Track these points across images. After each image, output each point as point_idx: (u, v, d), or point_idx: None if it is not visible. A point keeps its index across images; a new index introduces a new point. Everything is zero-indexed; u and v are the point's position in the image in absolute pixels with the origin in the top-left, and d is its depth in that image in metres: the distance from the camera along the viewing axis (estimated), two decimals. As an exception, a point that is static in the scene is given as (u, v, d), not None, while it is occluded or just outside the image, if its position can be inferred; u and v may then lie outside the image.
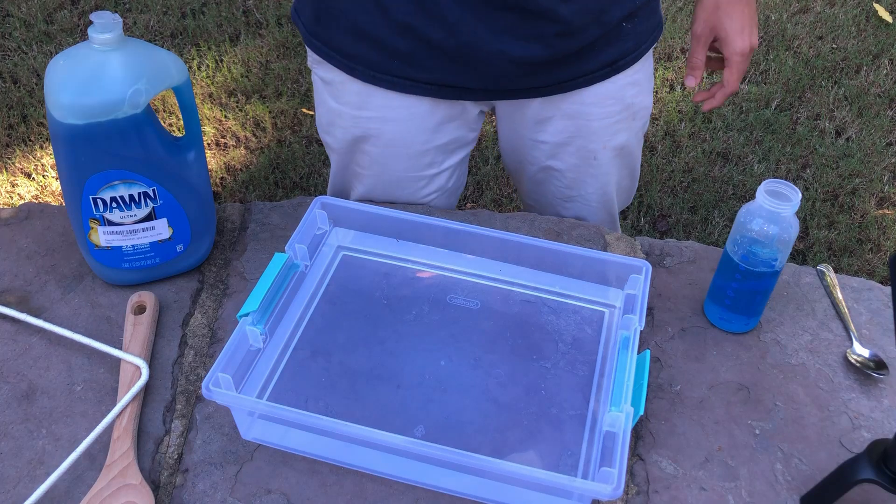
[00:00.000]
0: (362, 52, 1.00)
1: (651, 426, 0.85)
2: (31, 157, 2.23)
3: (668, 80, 2.54)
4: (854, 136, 2.36)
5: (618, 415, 0.76)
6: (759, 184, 1.05)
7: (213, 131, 2.32)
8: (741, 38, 1.02)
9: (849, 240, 2.08)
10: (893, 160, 2.29)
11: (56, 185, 2.14)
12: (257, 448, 0.82)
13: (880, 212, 2.15)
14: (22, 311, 0.92)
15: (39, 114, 2.34)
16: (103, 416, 0.82)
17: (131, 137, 0.86)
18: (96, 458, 0.80)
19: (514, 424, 0.83)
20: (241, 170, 2.23)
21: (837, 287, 0.99)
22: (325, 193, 1.14)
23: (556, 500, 0.76)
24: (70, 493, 0.77)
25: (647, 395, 0.86)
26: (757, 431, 0.85)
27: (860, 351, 0.92)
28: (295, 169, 2.22)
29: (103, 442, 0.81)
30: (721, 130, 2.37)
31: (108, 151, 0.86)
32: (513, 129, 1.12)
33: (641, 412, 0.76)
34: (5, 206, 1.82)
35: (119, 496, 0.76)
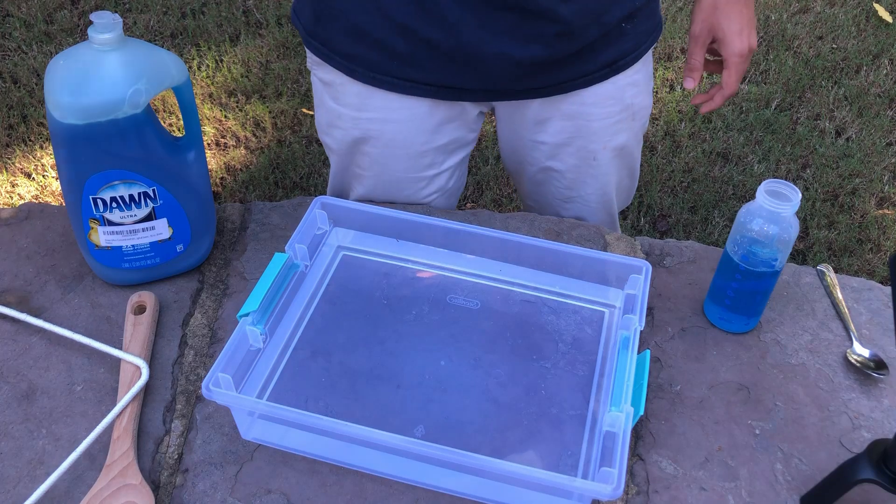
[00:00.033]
0: (362, 53, 1.00)
1: (651, 426, 0.85)
2: (31, 157, 2.23)
3: (668, 80, 2.54)
4: (854, 136, 2.36)
5: (618, 415, 0.76)
6: (759, 184, 1.05)
7: (213, 131, 2.32)
8: (739, 39, 1.01)
9: (849, 240, 2.08)
10: (893, 160, 2.29)
11: (56, 185, 2.14)
12: (257, 448, 0.82)
13: (880, 212, 2.15)
14: (22, 311, 0.92)
15: (39, 114, 2.34)
16: (103, 416, 0.82)
17: (131, 137, 0.86)
18: (96, 458, 0.80)
19: (514, 424, 0.83)
20: (241, 170, 2.23)
21: (837, 287, 0.99)
22: (325, 193, 1.14)
23: (556, 500, 0.76)
24: (70, 493, 0.77)
25: (647, 395, 0.86)
26: (757, 431, 0.85)
27: (860, 351, 0.92)
28: (295, 169, 2.22)
29: (103, 442, 0.81)
30: (721, 130, 2.37)
31: (108, 151, 0.86)
32: (512, 129, 1.12)
33: (641, 412, 0.76)
34: (5, 206, 1.82)
35: (119, 496, 0.76)
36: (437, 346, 0.90)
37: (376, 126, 1.06)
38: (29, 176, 2.18)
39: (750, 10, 1.01)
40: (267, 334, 0.87)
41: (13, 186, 2.15)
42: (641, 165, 1.21)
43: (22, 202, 1.93)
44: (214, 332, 0.93)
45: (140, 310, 0.92)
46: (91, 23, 0.82)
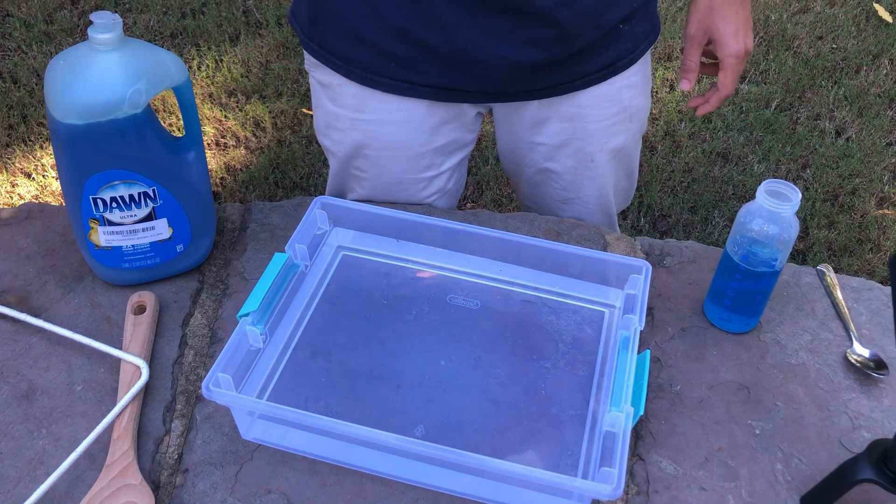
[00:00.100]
0: (359, 55, 1.00)
1: (651, 426, 0.85)
2: (31, 157, 2.23)
3: (667, 80, 2.54)
4: (854, 136, 2.36)
5: (618, 415, 0.76)
6: (759, 184, 1.05)
7: (213, 131, 2.32)
8: (735, 40, 1.01)
9: (849, 240, 2.08)
10: (893, 160, 2.29)
11: (56, 185, 2.14)
12: (257, 448, 0.82)
13: (880, 212, 2.15)
14: (22, 311, 0.92)
15: (39, 114, 2.34)
16: (103, 416, 0.82)
17: (131, 137, 0.86)
18: (96, 458, 0.80)
19: (514, 424, 0.83)
20: (241, 170, 2.23)
21: (837, 287, 0.99)
22: (324, 194, 1.14)
23: (556, 500, 0.76)
24: (70, 493, 0.77)
25: (647, 395, 0.86)
26: (757, 431, 0.85)
27: (860, 351, 0.92)
28: (295, 169, 2.22)
29: (103, 442, 0.81)
30: (721, 130, 2.37)
31: (108, 151, 0.86)
32: (510, 131, 1.12)
33: (641, 412, 0.76)
34: (5, 206, 1.82)
35: (119, 496, 0.76)
36: (437, 346, 0.90)
37: (374, 128, 1.06)
38: (29, 176, 2.18)
39: (746, 12, 1.01)
40: (267, 334, 0.87)
41: (13, 186, 2.15)
42: (641, 165, 1.21)
43: (22, 202, 1.93)
44: (214, 332, 0.93)
45: (140, 310, 0.92)
46: (91, 23, 0.82)
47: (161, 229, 0.93)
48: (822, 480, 0.77)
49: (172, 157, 0.91)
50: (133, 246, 0.93)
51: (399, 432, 0.74)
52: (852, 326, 0.95)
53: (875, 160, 2.28)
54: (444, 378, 0.87)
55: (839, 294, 0.99)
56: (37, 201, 1.65)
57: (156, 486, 0.78)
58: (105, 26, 0.81)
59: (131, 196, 0.90)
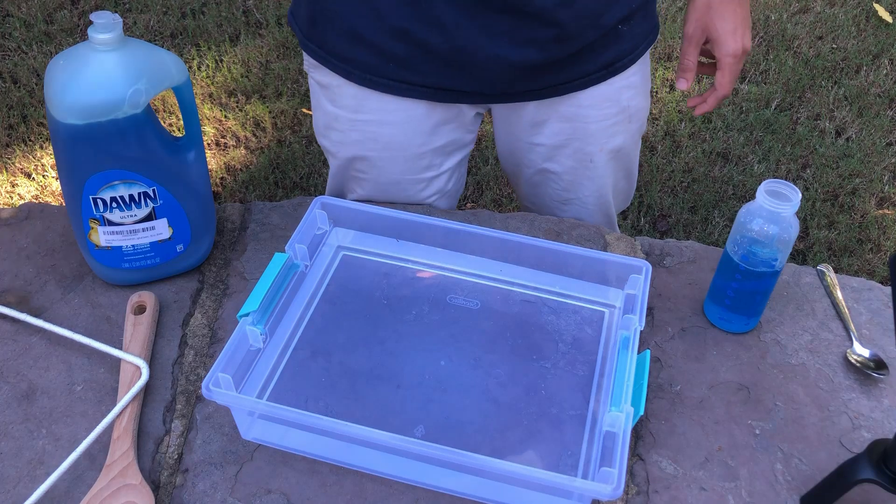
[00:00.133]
0: (358, 56, 1.00)
1: (651, 426, 0.85)
2: (31, 157, 2.23)
3: (667, 80, 2.54)
4: (854, 136, 2.36)
5: (618, 415, 0.76)
6: (759, 184, 1.05)
7: (213, 131, 2.32)
8: (733, 39, 1.00)
9: (849, 240, 2.08)
10: (893, 160, 2.29)
11: (56, 185, 2.14)
12: (257, 448, 0.82)
13: (880, 212, 2.15)
14: (22, 311, 0.92)
15: (39, 114, 2.34)
16: (103, 416, 0.82)
17: (131, 137, 0.86)
18: (96, 458, 0.80)
19: (514, 424, 0.83)
20: (241, 170, 2.23)
21: (837, 287, 0.99)
22: (324, 194, 1.14)
23: (556, 500, 0.76)
24: (70, 493, 0.77)
25: (647, 395, 0.86)
26: (757, 431, 0.85)
27: (860, 351, 0.92)
28: (295, 169, 2.22)
29: (103, 442, 0.81)
30: (721, 130, 2.37)
31: (108, 151, 0.86)
32: (509, 131, 1.12)
33: (641, 412, 0.76)
34: (5, 206, 1.82)
35: (119, 496, 0.76)
36: (437, 346, 0.90)
37: (373, 128, 1.06)
38: (29, 176, 2.18)
39: (744, 10, 1.00)
40: (267, 334, 0.87)
41: (13, 186, 2.15)
42: (641, 165, 1.21)
43: (22, 202, 1.93)
44: (214, 332, 0.93)
45: (140, 310, 0.92)
46: (91, 23, 0.82)
47: (161, 229, 0.93)
48: (822, 480, 0.77)
49: (172, 157, 0.91)
50: (133, 246, 0.93)
51: (399, 432, 0.74)
52: (852, 326, 0.95)
53: (875, 160, 2.28)
54: (444, 378, 0.87)
55: (839, 294, 0.99)
56: (37, 201, 1.65)
57: (156, 486, 0.78)
58: (105, 26, 0.81)
59: (131, 196, 0.90)
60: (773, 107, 2.45)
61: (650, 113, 2.38)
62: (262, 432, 0.82)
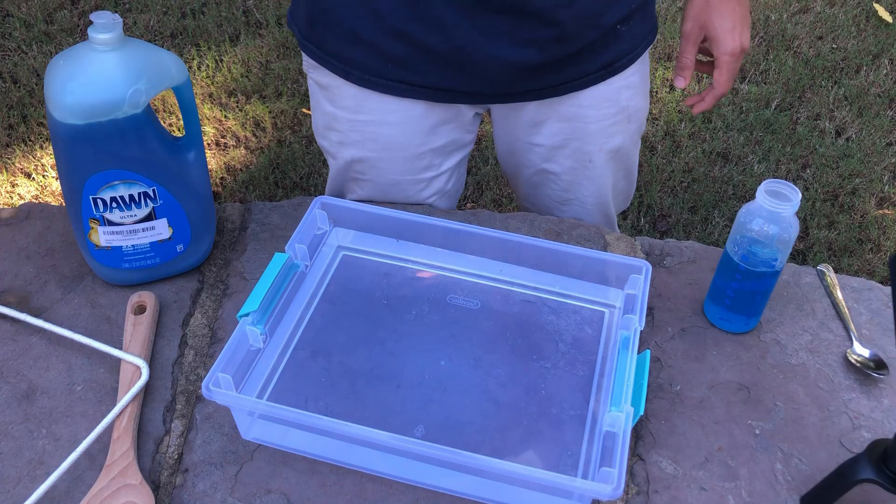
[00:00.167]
0: (358, 56, 1.00)
1: (651, 426, 0.85)
2: (31, 157, 2.23)
3: (667, 80, 2.54)
4: (854, 136, 2.36)
5: (618, 415, 0.76)
6: (759, 184, 1.05)
7: (213, 131, 2.32)
8: (731, 37, 1.00)
9: (849, 240, 2.08)
10: (893, 160, 2.29)
11: (56, 185, 2.14)
12: (257, 448, 0.82)
13: (880, 212, 2.15)
14: (22, 311, 0.92)
15: (39, 114, 2.34)
16: (103, 416, 0.82)
17: (131, 137, 0.86)
18: (96, 458, 0.80)
19: (514, 424, 0.83)
20: (241, 170, 2.23)
21: (837, 287, 0.99)
22: (324, 194, 1.14)
23: (556, 500, 0.76)
24: (70, 493, 0.77)
25: (647, 395, 0.86)
26: (757, 431, 0.85)
27: (860, 351, 0.92)
28: (295, 169, 2.22)
29: (103, 442, 0.81)
30: (721, 130, 2.37)
31: (108, 151, 0.86)
32: (508, 132, 1.12)
33: (641, 412, 0.76)
34: (5, 206, 1.82)
35: (119, 496, 0.76)
36: (437, 346, 0.90)
37: (372, 129, 1.06)
38: (29, 176, 2.18)
39: (743, 9, 1.00)
40: (267, 334, 0.87)
41: (13, 186, 2.15)
42: (641, 165, 1.21)
43: (22, 202, 1.93)
44: (214, 332, 0.93)
45: (140, 310, 0.92)
46: (91, 23, 0.82)
47: (161, 229, 0.93)
48: (822, 480, 0.77)
49: (172, 157, 0.91)
50: (133, 246, 0.93)
51: (399, 432, 0.74)
52: (852, 326, 0.95)
53: (875, 160, 2.28)
54: (444, 378, 0.87)
55: (839, 294, 0.99)
56: (37, 201, 1.65)
57: (156, 486, 0.78)
58: (105, 26, 0.81)
59: (131, 196, 0.90)
60: (773, 107, 2.45)
61: (650, 113, 2.39)
62: (262, 432, 0.82)
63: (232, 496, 0.78)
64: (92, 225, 0.91)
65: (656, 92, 2.49)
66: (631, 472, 0.81)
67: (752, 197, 0.87)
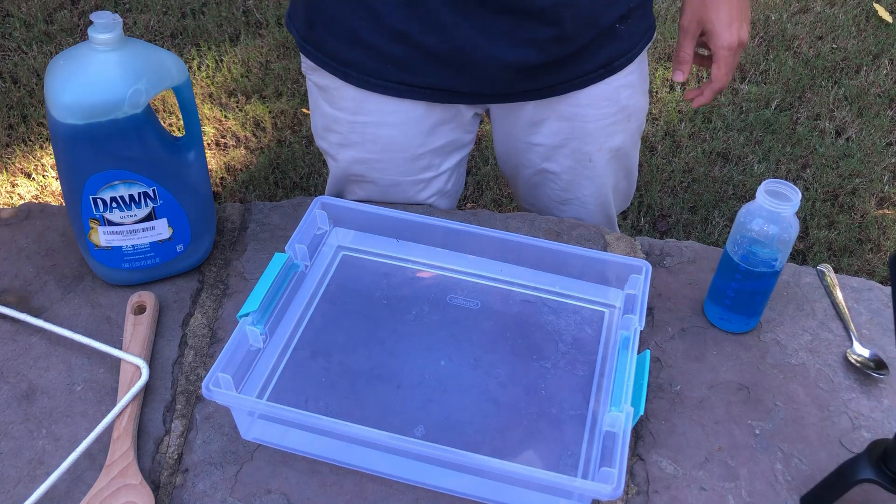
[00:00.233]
0: (357, 58, 1.00)
1: (651, 426, 0.85)
2: (31, 157, 2.23)
3: (667, 80, 2.54)
4: (854, 136, 2.36)
5: (618, 415, 0.76)
6: (759, 184, 1.05)
7: (213, 131, 2.32)
8: (729, 31, 1.00)
9: (849, 240, 2.08)
10: (893, 160, 2.29)
11: (56, 185, 2.14)
12: (257, 448, 0.82)
13: (880, 212, 2.15)
14: (22, 311, 0.92)
15: (39, 114, 2.34)
16: (103, 416, 0.82)
17: (131, 137, 0.86)
18: (96, 458, 0.80)
19: (514, 424, 0.83)
20: (241, 170, 2.23)
21: (837, 287, 0.99)
22: (324, 194, 1.14)
23: (556, 500, 0.76)
24: (70, 493, 0.77)
25: (647, 395, 0.86)
26: (757, 431, 0.85)
27: (860, 351, 0.92)
28: (295, 169, 2.22)
29: (103, 442, 0.81)
30: (721, 130, 2.37)
31: (108, 151, 0.86)
32: (507, 132, 1.12)
33: (641, 412, 0.76)
34: (5, 206, 1.82)
35: (119, 496, 0.76)
36: (437, 346, 0.90)
37: (372, 130, 1.06)
38: (29, 176, 2.18)
39: (742, 3, 1.00)
40: (267, 334, 0.87)
41: (13, 186, 2.15)
42: (641, 165, 1.21)
43: (22, 202, 1.93)
44: (214, 332, 0.93)
45: (140, 310, 0.92)
46: (91, 23, 0.82)
47: (161, 229, 0.93)
48: (822, 480, 0.77)
49: (172, 157, 0.91)
50: (133, 246, 0.93)
51: (399, 432, 0.74)
52: (852, 326, 0.95)
53: (875, 160, 2.28)
54: (444, 378, 0.87)
55: (839, 294, 0.99)
56: (37, 201, 1.65)
57: (156, 486, 0.78)
58: (105, 26, 0.81)
59: (131, 196, 0.90)
60: (773, 107, 2.45)
61: (650, 113, 2.39)
62: (262, 432, 0.82)
63: (232, 496, 0.78)
64: (92, 225, 0.91)
65: (656, 92, 2.49)
66: (631, 472, 0.81)
67: (752, 197, 0.87)
